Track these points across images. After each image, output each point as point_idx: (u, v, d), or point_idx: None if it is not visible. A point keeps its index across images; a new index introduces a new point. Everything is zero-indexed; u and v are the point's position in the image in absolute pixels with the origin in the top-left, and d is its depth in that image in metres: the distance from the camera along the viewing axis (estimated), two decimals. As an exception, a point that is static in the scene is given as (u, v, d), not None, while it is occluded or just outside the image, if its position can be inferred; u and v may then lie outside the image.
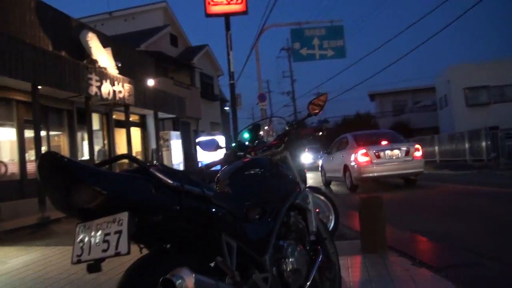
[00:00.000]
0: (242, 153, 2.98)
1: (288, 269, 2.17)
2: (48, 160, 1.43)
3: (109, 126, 15.04)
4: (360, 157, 10.79)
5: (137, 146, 17.27)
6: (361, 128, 18.61)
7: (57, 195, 1.48)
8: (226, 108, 31.67)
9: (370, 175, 10.85)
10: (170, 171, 1.63)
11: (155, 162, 3.02)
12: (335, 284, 2.94)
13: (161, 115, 17.58)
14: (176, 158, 17.21)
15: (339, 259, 2.85)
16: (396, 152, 10.87)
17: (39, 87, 10.30)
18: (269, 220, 2.23)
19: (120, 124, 15.32)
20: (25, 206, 9.66)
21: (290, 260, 2.19)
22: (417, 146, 11.32)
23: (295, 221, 2.46)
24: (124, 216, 1.42)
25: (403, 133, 15.37)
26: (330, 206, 4.99)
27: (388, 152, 10.84)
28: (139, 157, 16.92)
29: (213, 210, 1.74)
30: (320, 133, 2.88)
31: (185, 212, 1.59)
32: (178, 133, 18.83)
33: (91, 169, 1.45)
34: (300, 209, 2.57)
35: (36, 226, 8.24)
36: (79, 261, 1.48)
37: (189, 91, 22.85)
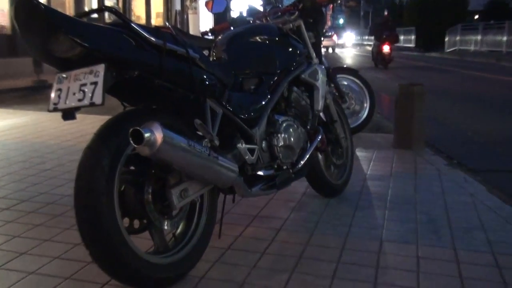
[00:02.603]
0: (251, 19, 2.73)
1: (280, 145, 2.13)
2: (25, 6, 1.42)
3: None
4: None
5: (158, 6, 15.46)
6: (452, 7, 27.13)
7: (35, 42, 1.50)
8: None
9: None
10: (154, 29, 1.60)
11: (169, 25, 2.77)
12: (344, 172, 2.72)
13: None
14: (205, 22, 15.21)
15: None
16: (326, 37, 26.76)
17: None
18: (266, 93, 2.17)
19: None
20: (18, 66, 8.87)
21: (283, 135, 2.14)
22: (334, 34, 30.71)
23: (297, 97, 2.37)
24: (100, 68, 1.46)
25: (498, 14, 14.61)
26: (366, 92, 4.47)
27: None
28: (160, 19, 15.49)
29: (197, 73, 1.73)
30: (339, 1, 2.49)
31: (165, 71, 1.60)
32: (206, -7, 17.28)
33: (70, 18, 1.45)
34: (308, 85, 2.45)
35: (30, 89, 7.79)
36: (55, 109, 1.55)
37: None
